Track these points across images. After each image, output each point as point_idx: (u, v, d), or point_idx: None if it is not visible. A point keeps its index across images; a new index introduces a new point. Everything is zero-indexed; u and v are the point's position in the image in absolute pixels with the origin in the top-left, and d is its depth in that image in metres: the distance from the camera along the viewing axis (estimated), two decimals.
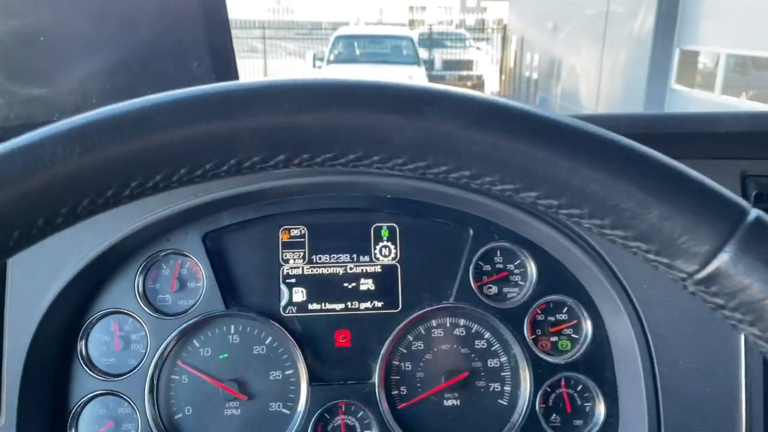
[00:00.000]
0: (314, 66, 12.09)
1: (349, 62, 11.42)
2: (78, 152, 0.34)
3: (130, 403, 0.95)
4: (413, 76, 10.67)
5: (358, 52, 11.91)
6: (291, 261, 1.00)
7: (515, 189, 0.37)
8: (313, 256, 1.01)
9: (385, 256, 1.02)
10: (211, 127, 0.36)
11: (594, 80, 11.08)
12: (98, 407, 0.95)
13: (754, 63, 7.53)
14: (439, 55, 15.07)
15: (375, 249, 1.02)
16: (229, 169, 0.38)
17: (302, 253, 1.01)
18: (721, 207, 0.34)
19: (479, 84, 15.44)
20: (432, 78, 13.94)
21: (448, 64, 15.14)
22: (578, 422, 1.00)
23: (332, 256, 1.01)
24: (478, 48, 17.22)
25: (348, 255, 1.01)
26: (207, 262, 0.97)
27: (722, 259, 0.33)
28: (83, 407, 0.94)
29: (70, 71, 0.79)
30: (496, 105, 0.37)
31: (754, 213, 0.34)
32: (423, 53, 13.90)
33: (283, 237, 1.01)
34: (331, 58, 11.59)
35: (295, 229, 1.01)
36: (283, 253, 1.00)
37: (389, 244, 1.02)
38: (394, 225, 1.02)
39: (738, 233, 0.33)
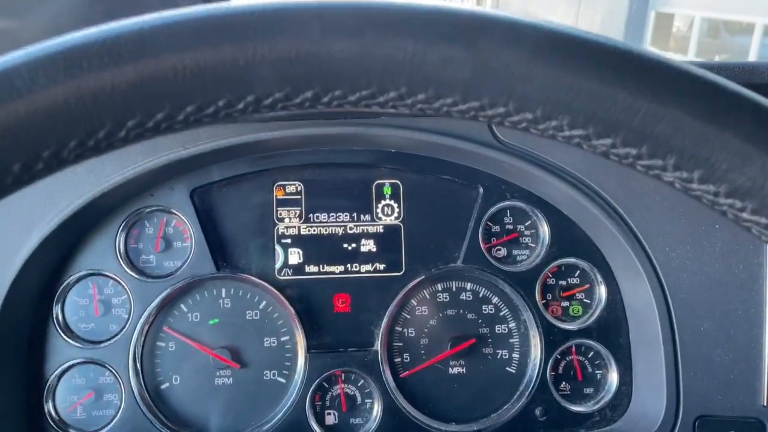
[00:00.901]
0: None
1: None
2: (63, 80, 0.27)
3: (112, 372, 0.87)
4: None
5: None
6: (286, 220, 0.93)
7: (585, 135, 0.30)
8: (310, 215, 0.93)
9: (387, 215, 0.94)
10: (224, 53, 0.29)
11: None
12: (77, 377, 0.87)
13: (726, 27, 7.52)
14: None
15: (377, 208, 0.94)
16: (245, 108, 0.31)
17: (298, 212, 0.93)
18: None
19: None
20: None
21: None
22: (589, 390, 0.95)
23: (331, 215, 0.94)
24: None
25: (348, 214, 0.94)
26: (195, 220, 0.89)
27: None
28: (60, 377, 0.87)
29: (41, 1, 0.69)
30: (566, 35, 0.30)
31: None
32: None
33: (277, 194, 0.93)
34: None
35: (291, 185, 0.93)
36: (277, 211, 0.93)
37: (392, 202, 0.95)
38: (398, 182, 0.95)
39: None
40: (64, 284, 0.86)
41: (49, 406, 0.86)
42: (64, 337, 0.86)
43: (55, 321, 0.86)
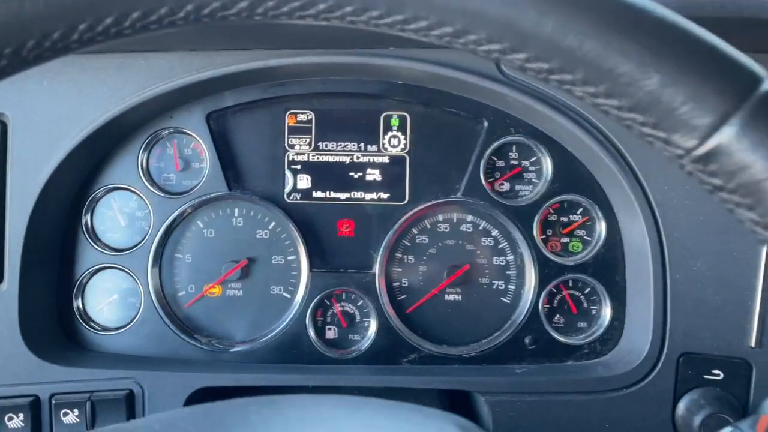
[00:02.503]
0: None
1: None
2: None
3: (133, 278, 0.96)
4: None
5: None
6: (297, 147, 0.98)
7: (501, 49, 0.32)
8: (320, 143, 0.98)
9: (394, 146, 0.98)
10: None
11: None
12: (104, 280, 0.97)
13: None
14: None
15: (384, 138, 0.98)
16: (186, 16, 0.34)
17: (308, 139, 0.98)
18: (731, 73, 0.30)
19: None
20: None
21: None
22: (583, 324, 0.97)
23: (339, 143, 0.98)
24: None
25: (356, 143, 0.98)
26: (210, 142, 0.95)
27: (725, 134, 0.29)
28: (89, 278, 0.96)
29: None
30: None
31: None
32: None
33: (289, 121, 0.98)
34: None
35: (302, 113, 0.98)
36: (288, 138, 0.98)
37: (399, 133, 0.98)
38: (405, 114, 0.97)
39: (747, 104, 0.29)
40: (92, 196, 0.95)
41: (78, 303, 0.96)
42: (93, 244, 0.96)
43: (84, 229, 0.96)
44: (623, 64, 0.31)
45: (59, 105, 0.87)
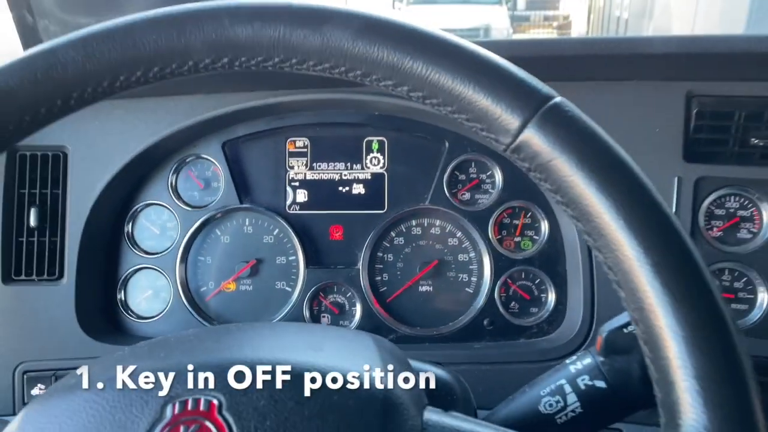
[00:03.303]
0: (393, 7, 12.03)
1: (429, 3, 11.28)
2: (84, 55, 0.46)
3: (165, 277, 1.19)
4: (494, 16, 10.45)
5: None
6: (295, 167, 1.20)
7: (392, 84, 0.48)
8: (314, 164, 1.20)
9: (374, 165, 1.19)
10: (185, 36, 0.50)
11: (689, 19, 10.47)
12: (141, 278, 1.20)
13: None
14: None
15: (366, 159, 1.19)
16: (189, 70, 0.55)
17: (305, 161, 1.20)
18: (530, 93, 0.45)
19: (566, 24, 14.88)
20: (515, 18, 13.58)
21: (533, 4, 14.67)
22: (534, 309, 1.16)
23: (330, 164, 1.20)
24: None
25: (343, 164, 1.20)
26: (225, 165, 1.18)
27: (526, 133, 0.45)
28: (130, 277, 1.19)
29: (111, 3, 0.99)
30: (368, 18, 0.51)
31: (555, 100, 0.45)
32: None
33: (289, 147, 1.20)
34: None
35: (300, 140, 1.20)
36: (289, 160, 1.20)
37: (378, 155, 1.19)
38: (383, 138, 1.19)
39: (539, 113, 0.45)
40: (132, 210, 1.19)
41: (120, 296, 1.19)
42: (132, 248, 1.19)
43: (126, 236, 1.19)
44: (464, 92, 0.49)
45: (107, 137, 1.11)
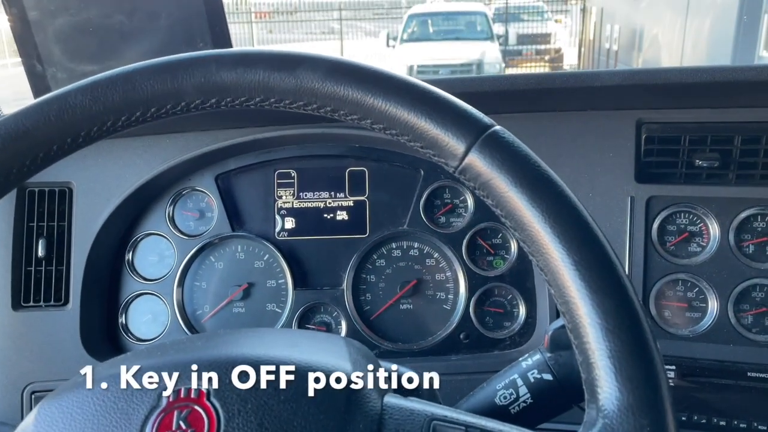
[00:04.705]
0: (388, 45, 12.31)
1: (422, 40, 11.55)
2: (90, 99, 0.54)
3: (163, 301, 1.28)
4: (486, 52, 10.69)
5: (431, 29, 11.93)
6: (283, 197, 1.30)
7: (357, 118, 0.57)
8: (301, 193, 1.30)
9: (356, 193, 1.29)
10: (176, 82, 0.61)
11: (677, 50, 10.67)
12: (141, 303, 1.28)
13: None
14: (514, 30, 14.93)
15: (349, 188, 1.29)
16: (182, 110, 0.65)
17: (292, 191, 1.30)
18: (472, 123, 0.53)
19: (557, 57, 15.17)
20: (507, 53, 13.87)
21: (523, 38, 14.98)
22: (507, 323, 1.25)
23: (315, 193, 1.30)
24: (557, 21, 16.83)
25: (328, 193, 1.30)
26: (218, 197, 1.28)
27: (470, 158, 0.52)
28: (130, 302, 1.28)
29: (112, 53, 1.11)
30: (333, 62, 0.61)
31: (493, 129, 0.53)
32: (499, 28, 13.83)
33: (277, 178, 1.30)
34: (405, 37, 11.72)
35: (287, 172, 1.30)
36: (277, 191, 1.30)
37: (360, 183, 1.29)
38: (364, 169, 1.29)
39: (480, 140, 0.52)
40: (133, 239, 1.28)
41: (122, 319, 1.27)
42: (132, 275, 1.28)
43: (127, 264, 1.28)
44: (417, 123, 0.58)
45: (109, 173, 1.21)
